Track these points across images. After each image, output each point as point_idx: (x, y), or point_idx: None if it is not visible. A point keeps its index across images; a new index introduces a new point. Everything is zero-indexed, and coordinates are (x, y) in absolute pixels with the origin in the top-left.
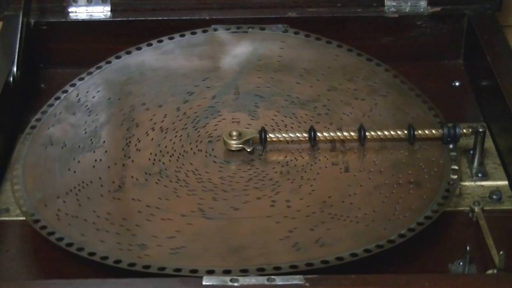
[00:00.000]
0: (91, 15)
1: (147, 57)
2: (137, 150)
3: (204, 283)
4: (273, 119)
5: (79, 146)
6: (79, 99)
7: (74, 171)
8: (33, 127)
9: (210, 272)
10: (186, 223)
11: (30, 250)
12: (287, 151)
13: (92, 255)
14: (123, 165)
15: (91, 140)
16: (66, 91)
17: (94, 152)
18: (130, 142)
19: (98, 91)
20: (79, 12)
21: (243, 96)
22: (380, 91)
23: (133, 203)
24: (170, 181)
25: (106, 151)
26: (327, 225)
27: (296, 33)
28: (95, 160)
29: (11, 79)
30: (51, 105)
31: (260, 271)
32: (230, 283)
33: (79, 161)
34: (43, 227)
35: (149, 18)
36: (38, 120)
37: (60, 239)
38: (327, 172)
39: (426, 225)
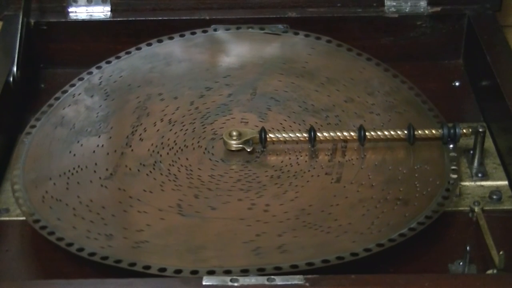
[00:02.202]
0: (91, 15)
1: (177, 47)
2: (140, 140)
3: (204, 283)
4: (281, 124)
5: (87, 130)
6: (101, 82)
7: (74, 154)
8: (32, 127)
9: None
10: (159, 218)
11: (30, 250)
12: (286, 155)
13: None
14: (122, 153)
15: (100, 124)
16: (91, 73)
17: (99, 137)
18: (136, 131)
19: (121, 76)
20: (79, 12)
21: (259, 98)
22: (397, 108)
23: (117, 193)
24: (161, 174)
25: (110, 137)
26: (296, 233)
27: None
28: (97, 146)
29: (11, 79)
30: (73, 85)
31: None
32: (230, 283)
33: (82, 145)
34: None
35: (149, 18)
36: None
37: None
38: (317, 180)
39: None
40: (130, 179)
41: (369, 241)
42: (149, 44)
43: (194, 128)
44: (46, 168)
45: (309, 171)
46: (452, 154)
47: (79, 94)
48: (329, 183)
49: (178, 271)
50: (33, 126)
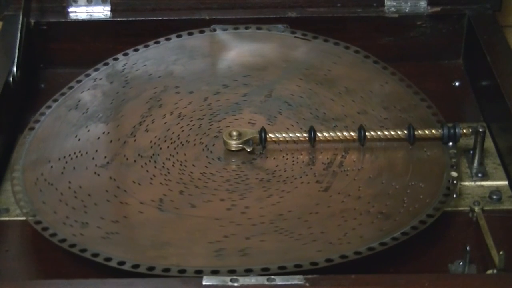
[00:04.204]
0: (91, 15)
1: (204, 42)
2: (145, 131)
3: (204, 283)
4: (287, 128)
5: (98, 115)
6: (124, 69)
7: (79, 139)
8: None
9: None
10: (138, 211)
11: (30, 250)
12: (283, 159)
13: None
14: (124, 142)
15: (111, 111)
16: (116, 59)
17: (107, 124)
18: (144, 121)
19: (144, 65)
20: (79, 12)
21: (272, 100)
22: None
23: (107, 182)
24: (155, 167)
25: (118, 126)
26: (264, 237)
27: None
28: (103, 132)
29: (11, 79)
30: (97, 69)
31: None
32: (230, 283)
33: (89, 130)
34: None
35: (149, 18)
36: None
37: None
38: (305, 187)
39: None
40: (124, 169)
41: (334, 251)
42: (179, 36)
43: (201, 124)
44: (49, 150)
45: (300, 177)
46: (452, 154)
47: (100, 79)
48: (317, 191)
49: (136, 266)
50: (49, 107)
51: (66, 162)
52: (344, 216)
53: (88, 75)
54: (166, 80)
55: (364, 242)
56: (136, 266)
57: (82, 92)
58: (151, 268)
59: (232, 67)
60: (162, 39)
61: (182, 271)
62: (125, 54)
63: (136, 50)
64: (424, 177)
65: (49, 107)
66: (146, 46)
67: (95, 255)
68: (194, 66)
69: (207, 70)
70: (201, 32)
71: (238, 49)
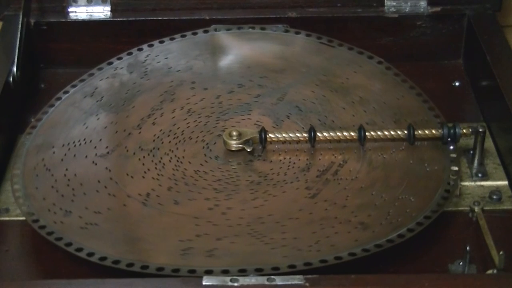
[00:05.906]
0: (91, 15)
1: (229, 40)
2: (152, 124)
3: (204, 283)
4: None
5: (110, 105)
6: (146, 60)
7: (87, 127)
8: (66, 92)
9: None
10: (122, 204)
11: (30, 250)
12: (280, 163)
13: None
14: (129, 134)
15: (124, 102)
16: (141, 49)
17: (117, 114)
18: (153, 114)
19: (166, 58)
20: (79, 12)
21: (284, 104)
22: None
23: (101, 172)
24: (151, 161)
25: (127, 116)
26: (236, 239)
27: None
28: (111, 122)
29: (11, 79)
30: (120, 58)
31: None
32: (230, 283)
33: (98, 119)
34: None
35: (149, 18)
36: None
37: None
38: (293, 193)
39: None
40: (122, 160)
41: (300, 258)
42: (206, 31)
43: (208, 121)
44: (56, 135)
45: (291, 182)
46: (452, 153)
47: (121, 68)
48: (303, 197)
49: (103, 259)
50: (66, 92)
51: (69, 149)
52: (323, 224)
53: (110, 63)
54: (184, 75)
55: (334, 251)
56: (103, 258)
57: (100, 80)
58: (116, 262)
59: (251, 67)
60: (189, 33)
61: (145, 267)
62: (150, 45)
63: (161, 42)
64: (417, 192)
65: (67, 92)
66: (172, 39)
67: (68, 244)
68: (214, 63)
69: (226, 68)
70: (228, 29)
71: (261, 50)
